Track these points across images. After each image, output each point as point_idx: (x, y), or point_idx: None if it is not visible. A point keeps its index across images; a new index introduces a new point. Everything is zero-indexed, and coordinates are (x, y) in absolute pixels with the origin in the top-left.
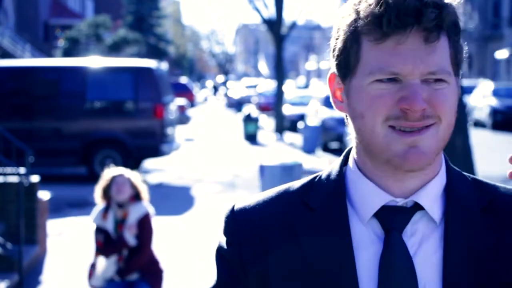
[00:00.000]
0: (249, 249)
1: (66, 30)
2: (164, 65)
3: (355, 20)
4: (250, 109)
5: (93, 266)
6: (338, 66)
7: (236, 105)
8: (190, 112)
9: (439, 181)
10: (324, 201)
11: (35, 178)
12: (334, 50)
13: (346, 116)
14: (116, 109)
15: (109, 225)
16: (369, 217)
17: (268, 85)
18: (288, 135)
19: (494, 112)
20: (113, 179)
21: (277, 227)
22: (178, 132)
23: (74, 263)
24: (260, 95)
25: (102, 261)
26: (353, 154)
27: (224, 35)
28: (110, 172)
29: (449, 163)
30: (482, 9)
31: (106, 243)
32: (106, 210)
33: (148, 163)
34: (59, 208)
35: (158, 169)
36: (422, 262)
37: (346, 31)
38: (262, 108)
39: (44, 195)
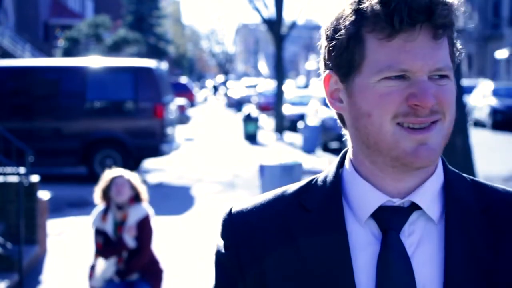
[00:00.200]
0: (247, 252)
1: (66, 30)
2: (164, 65)
3: (358, 19)
4: (250, 109)
5: (93, 268)
6: (338, 66)
7: (236, 105)
8: (190, 112)
9: (436, 179)
10: (321, 203)
11: (35, 178)
12: (331, 50)
13: (341, 117)
14: (116, 109)
15: (109, 227)
16: (366, 218)
17: (268, 85)
18: (288, 135)
19: (494, 112)
20: (113, 180)
21: (274, 230)
22: (178, 132)
23: (74, 263)
24: (260, 95)
25: (101, 262)
26: (349, 155)
27: (224, 35)
28: (109, 173)
29: (446, 162)
30: (482, 9)
31: (106, 245)
32: (105, 212)
33: (148, 163)
34: (59, 208)
35: (158, 169)
36: (421, 262)
37: (347, 30)
38: (262, 108)
39: (44, 195)
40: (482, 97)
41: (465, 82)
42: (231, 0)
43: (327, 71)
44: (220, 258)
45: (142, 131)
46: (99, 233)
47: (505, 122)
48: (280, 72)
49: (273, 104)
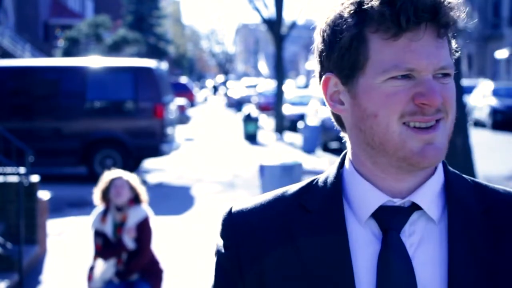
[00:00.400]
0: (247, 252)
1: (66, 30)
2: (164, 65)
3: (360, 19)
4: (250, 109)
5: (91, 269)
6: (340, 68)
7: (236, 105)
8: (190, 112)
9: (437, 180)
10: (321, 203)
11: (35, 178)
12: (330, 52)
13: (338, 119)
14: (116, 109)
15: (108, 228)
16: (367, 218)
17: (268, 85)
18: (288, 135)
19: (494, 112)
20: (112, 182)
21: (274, 230)
22: (178, 132)
23: (74, 263)
24: (260, 95)
25: (100, 264)
26: (348, 156)
27: (224, 35)
28: (109, 174)
29: (446, 163)
30: (482, 9)
31: (105, 246)
32: (105, 213)
33: (148, 163)
34: (59, 208)
35: (158, 169)
36: (422, 262)
37: (349, 31)
38: (262, 108)
39: (44, 195)
40: (482, 97)
41: (465, 82)
42: (231, 0)
43: (326, 74)
44: (219, 258)
45: (142, 131)
46: (99, 234)
47: (505, 122)
48: (280, 72)
49: (273, 104)
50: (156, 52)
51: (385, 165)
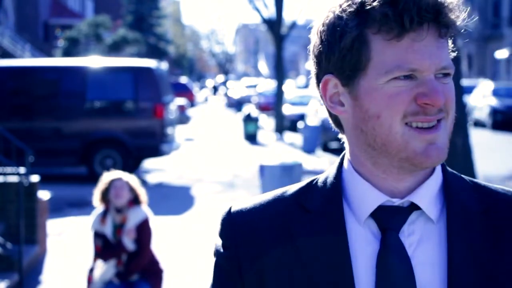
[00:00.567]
0: (246, 252)
1: (66, 30)
2: (164, 65)
3: (362, 20)
4: (250, 109)
5: (91, 271)
6: (340, 69)
7: (236, 105)
8: (190, 112)
9: (435, 180)
10: (321, 203)
11: (35, 178)
12: (329, 54)
13: (336, 120)
14: (116, 109)
15: (108, 230)
16: (366, 217)
17: (268, 85)
18: (288, 135)
19: (494, 112)
20: (111, 183)
21: (274, 230)
22: (178, 132)
23: (74, 263)
24: (260, 95)
25: (100, 265)
26: (347, 157)
27: (224, 35)
28: (108, 176)
29: (444, 163)
30: (482, 9)
31: (105, 247)
32: (104, 215)
33: (148, 163)
34: (59, 208)
35: (158, 169)
36: (421, 262)
37: (350, 33)
38: (262, 108)
39: (44, 195)
40: (482, 97)
41: (465, 82)
42: (231, 0)
43: (326, 75)
44: (218, 258)
45: (142, 131)
46: (98, 236)
47: (505, 122)
48: (280, 72)
49: (273, 104)
50: (156, 52)
51: (387, 165)
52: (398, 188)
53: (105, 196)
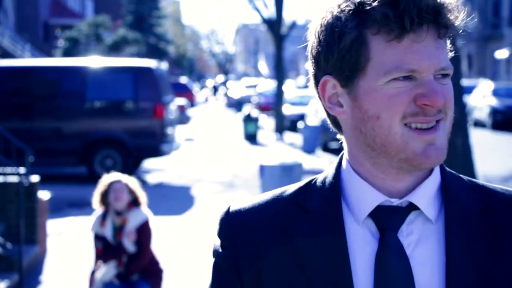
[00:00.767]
0: (244, 252)
1: (66, 30)
2: (164, 65)
3: (361, 21)
4: (250, 109)
5: (93, 273)
6: (339, 70)
7: (236, 105)
8: (190, 112)
9: (434, 180)
10: (320, 203)
11: (35, 178)
12: (328, 54)
13: (335, 121)
14: (116, 109)
15: (108, 232)
16: (364, 217)
17: (268, 85)
18: (288, 135)
19: (494, 112)
20: (111, 186)
21: (272, 230)
22: (178, 132)
23: (74, 263)
24: (260, 95)
25: (101, 266)
26: (346, 157)
27: (224, 35)
28: (107, 178)
29: (442, 163)
30: (482, 9)
31: (105, 249)
32: (104, 217)
33: (148, 163)
34: (59, 208)
35: (158, 169)
36: (420, 261)
37: (350, 33)
38: (262, 108)
39: (44, 195)
40: (482, 97)
41: (465, 82)
42: (231, 0)
43: (325, 76)
44: (217, 258)
45: (142, 131)
46: (98, 238)
47: (505, 122)
48: (280, 72)
49: (273, 104)
50: (156, 52)
51: (386, 166)
52: (397, 188)
53: (105, 199)
